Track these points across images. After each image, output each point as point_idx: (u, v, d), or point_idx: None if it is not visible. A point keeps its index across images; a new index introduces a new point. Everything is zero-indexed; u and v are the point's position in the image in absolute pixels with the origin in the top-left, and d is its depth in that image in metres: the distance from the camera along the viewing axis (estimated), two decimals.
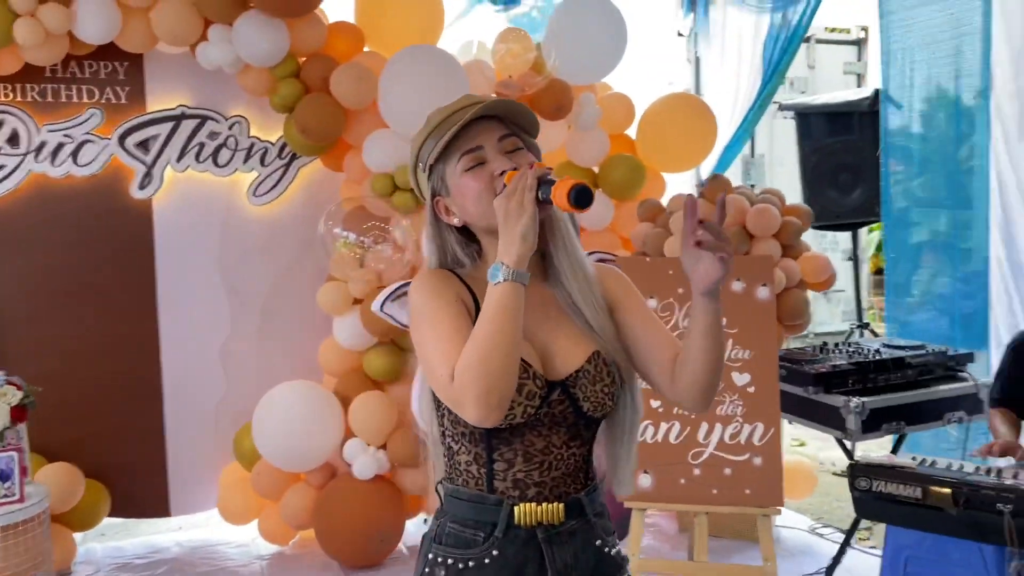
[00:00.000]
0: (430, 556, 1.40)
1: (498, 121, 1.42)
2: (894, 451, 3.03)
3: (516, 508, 1.35)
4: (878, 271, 7.56)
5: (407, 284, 3.37)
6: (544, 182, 1.32)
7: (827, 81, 7.50)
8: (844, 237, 6.69)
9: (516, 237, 1.28)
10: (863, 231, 5.45)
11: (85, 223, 3.65)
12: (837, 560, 3.08)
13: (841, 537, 3.72)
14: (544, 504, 1.37)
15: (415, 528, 3.76)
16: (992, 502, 2.03)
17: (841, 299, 7.57)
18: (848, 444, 3.03)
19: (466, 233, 1.47)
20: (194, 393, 3.83)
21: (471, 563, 1.36)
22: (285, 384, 3.61)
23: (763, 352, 2.79)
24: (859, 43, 7.74)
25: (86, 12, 3.23)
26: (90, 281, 3.67)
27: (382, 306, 3.33)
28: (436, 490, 1.46)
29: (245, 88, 3.58)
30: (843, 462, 4.80)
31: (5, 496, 2.32)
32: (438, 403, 1.40)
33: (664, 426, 2.79)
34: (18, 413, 2.42)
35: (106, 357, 3.69)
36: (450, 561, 1.37)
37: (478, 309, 1.36)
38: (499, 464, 1.37)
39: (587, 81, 3.99)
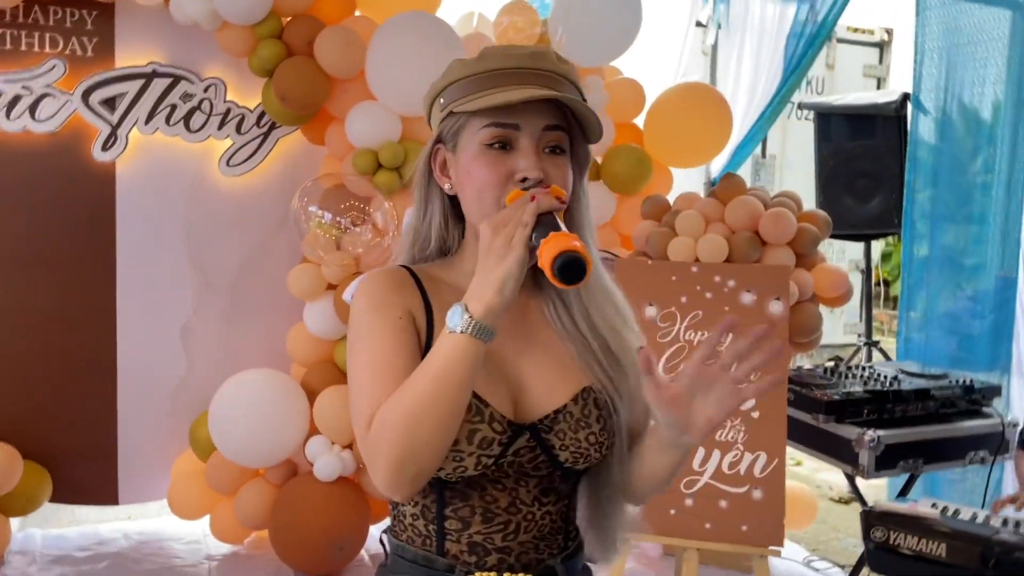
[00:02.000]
0: None
1: (555, 106, 1.10)
2: (905, 488, 2.76)
3: None
4: (877, 283, 7.35)
5: None
6: (544, 223, 1.02)
7: (846, 82, 7.22)
8: (853, 247, 6.43)
9: (492, 282, 1.00)
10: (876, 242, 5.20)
11: (41, 184, 3.34)
12: None
13: (837, 573, 3.49)
14: (507, 575, 1.09)
15: (379, 536, 3.49)
16: None
17: (844, 311, 7.31)
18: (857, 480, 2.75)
19: (455, 206, 1.19)
20: (151, 374, 3.54)
21: None
22: (248, 371, 3.33)
23: (772, 373, 2.50)
24: (882, 45, 7.44)
25: None
26: (43, 247, 3.37)
27: (352, 295, 3.06)
28: (380, 540, 1.22)
29: (223, 47, 3.28)
30: (842, 486, 4.56)
31: None
32: None
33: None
34: None
35: (57, 330, 3.40)
36: None
37: (430, 321, 1.11)
38: (451, 522, 1.11)
39: (595, 63, 3.70)
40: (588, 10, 3.52)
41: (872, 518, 2.02)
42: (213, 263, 3.60)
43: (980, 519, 2.06)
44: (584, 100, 1.12)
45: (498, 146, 1.09)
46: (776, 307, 2.56)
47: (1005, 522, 2.00)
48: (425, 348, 1.11)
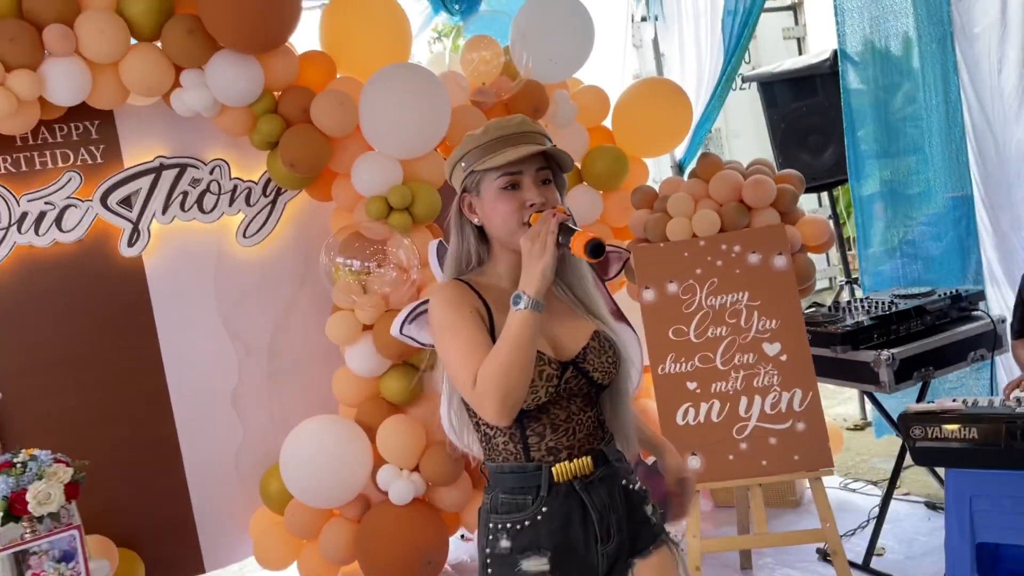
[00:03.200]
0: (490, 525, 1.62)
1: (541, 154, 1.63)
2: (921, 395, 3.10)
3: (553, 469, 1.59)
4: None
5: (422, 304, 3.37)
6: (564, 229, 1.54)
7: (769, 49, 7.62)
8: (808, 198, 6.82)
9: (537, 273, 1.51)
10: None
11: (77, 289, 3.55)
12: (883, 511, 3.14)
13: (872, 490, 3.83)
14: (575, 460, 1.60)
15: (454, 546, 3.74)
16: None
17: (814, 259, 7.71)
18: (878, 396, 3.08)
19: (481, 232, 1.69)
20: (211, 444, 3.76)
21: (527, 523, 1.58)
22: (309, 420, 3.57)
23: (789, 319, 2.83)
24: (795, 7, 7.89)
25: (55, 74, 3.14)
26: (89, 347, 3.58)
27: (400, 329, 3.33)
28: (481, 470, 1.72)
29: (224, 129, 3.52)
30: (853, 417, 4.92)
31: None
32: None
33: (704, 407, 2.82)
34: (71, 490, 2.35)
35: (117, 422, 3.60)
36: (508, 525, 1.59)
37: (489, 313, 1.60)
38: (532, 438, 1.60)
39: (559, 79, 4.02)
40: (544, 32, 3.83)
41: (909, 419, 2.34)
42: (248, 329, 3.83)
43: (997, 404, 2.38)
44: (554, 145, 1.65)
45: (510, 188, 1.61)
46: (780, 261, 2.88)
47: (1019, 402, 2.33)
48: (490, 329, 1.58)
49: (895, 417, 2.85)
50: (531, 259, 1.51)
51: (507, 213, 1.60)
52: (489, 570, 1.59)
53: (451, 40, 3.99)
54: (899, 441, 4.22)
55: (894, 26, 4.32)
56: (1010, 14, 3.61)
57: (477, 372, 1.49)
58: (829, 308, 3.21)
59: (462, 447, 1.76)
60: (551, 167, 1.65)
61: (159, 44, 3.29)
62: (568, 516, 1.58)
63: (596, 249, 1.50)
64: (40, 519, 2.26)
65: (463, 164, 1.64)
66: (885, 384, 2.80)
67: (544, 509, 1.57)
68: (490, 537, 1.60)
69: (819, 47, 6.22)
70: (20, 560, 2.20)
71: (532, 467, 1.59)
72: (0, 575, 2.27)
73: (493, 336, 1.57)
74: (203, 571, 3.76)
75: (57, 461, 2.37)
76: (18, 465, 2.27)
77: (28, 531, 2.27)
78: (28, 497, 2.18)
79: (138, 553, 3.54)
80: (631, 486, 1.68)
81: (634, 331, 3.59)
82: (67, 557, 2.23)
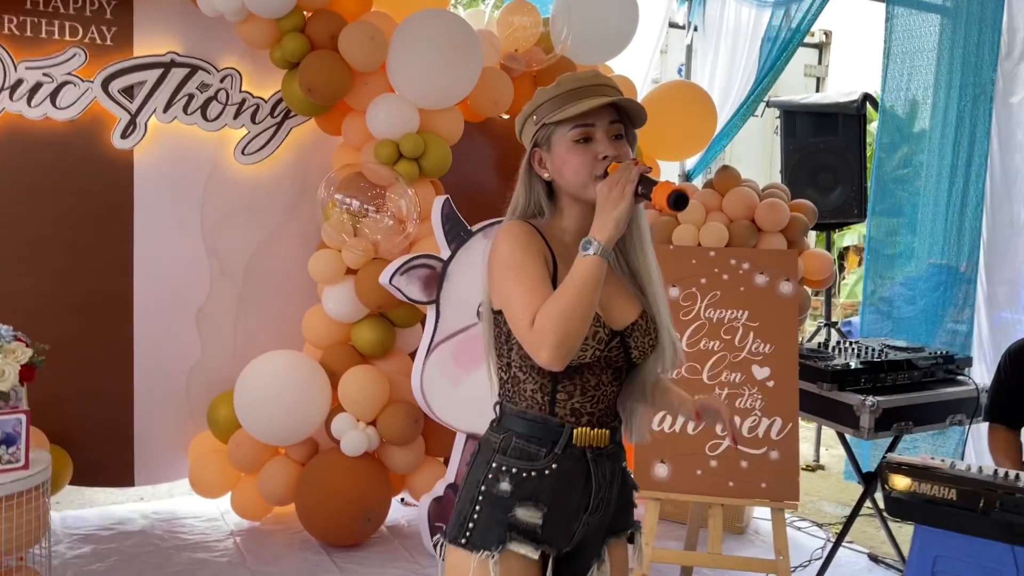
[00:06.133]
0: (494, 464, 1.57)
1: (613, 107, 1.57)
2: (891, 447, 3.09)
3: (575, 431, 1.57)
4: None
5: (416, 258, 3.27)
6: (644, 180, 1.48)
7: (788, 82, 7.58)
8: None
9: (611, 221, 1.46)
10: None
11: (60, 170, 3.39)
12: (831, 556, 3.13)
13: (816, 531, 3.83)
14: (596, 430, 1.59)
15: (393, 507, 3.66)
16: None
17: None
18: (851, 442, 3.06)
19: (550, 188, 1.64)
20: (166, 356, 3.63)
21: (533, 473, 1.56)
22: (273, 353, 3.45)
23: (784, 346, 2.79)
24: (821, 46, 7.88)
25: None
26: (60, 232, 3.42)
27: (391, 278, 3.23)
28: (494, 408, 1.66)
29: (246, 38, 3.38)
30: (806, 458, 4.93)
31: (10, 462, 2.11)
32: (507, 339, 1.57)
33: (681, 417, 2.77)
34: (27, 372, 2.20)
35: (76, 315, 3.45)
36: (515, 470, 1.56)
37: (554, 261, 1.56)
38: (561, 395, 1.58)
39: (596, 61, 3.93)
40: (589, 9, 3.74)
41: (890, 468, 2.32)
42: (227, 249, 3.70)
43: (978, 471, 2.36)
44: (627, 97, 1.57)
45: (583, 140, 1.55)
46: (786, 287, 2.84)
47: (1007, 475, 2.31)
48: (552, 277, 1.54)
49: (866, 464, 2.83)
50: (607, 205, 1.47)
51: (579, 166, 1.55)
52: (478, 506, 1.56)
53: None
54: (851, 489, 4.29)
55: (924, 80, 4.31)
56: None
57: (536, 313, 1.45)
58: (819, 345, 3.19)
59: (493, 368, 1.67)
60: (623, 121, 1.59)
61: None
62: (573, 479, 1.58)
63: (679, 200, 1.44)
64: None
65: (535, 118, 1.59)
66: (864, 430, 2.79)
67: (554, 466, 1.57)
68: (489, 476, 1.56)
69: (837, 90, 6.23)
70: None
71: (555, 422, 1.57)
72: None
73: (555, 285, 1.53)
74: (132, 484, 3.63)
75: (17, 339, 2.23)
76: None
77: None
78: None
79: (69, 453, 3.40)
80: (627, 470, 1.71)
81: None
82: (9, 440, 2.10)
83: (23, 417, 2.15)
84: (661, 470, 2.76)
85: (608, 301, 1.58)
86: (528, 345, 1.47)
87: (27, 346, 2.24)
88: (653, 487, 2.75)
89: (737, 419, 2.77)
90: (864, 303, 4.56)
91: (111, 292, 3.52)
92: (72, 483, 3.47)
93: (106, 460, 3.55)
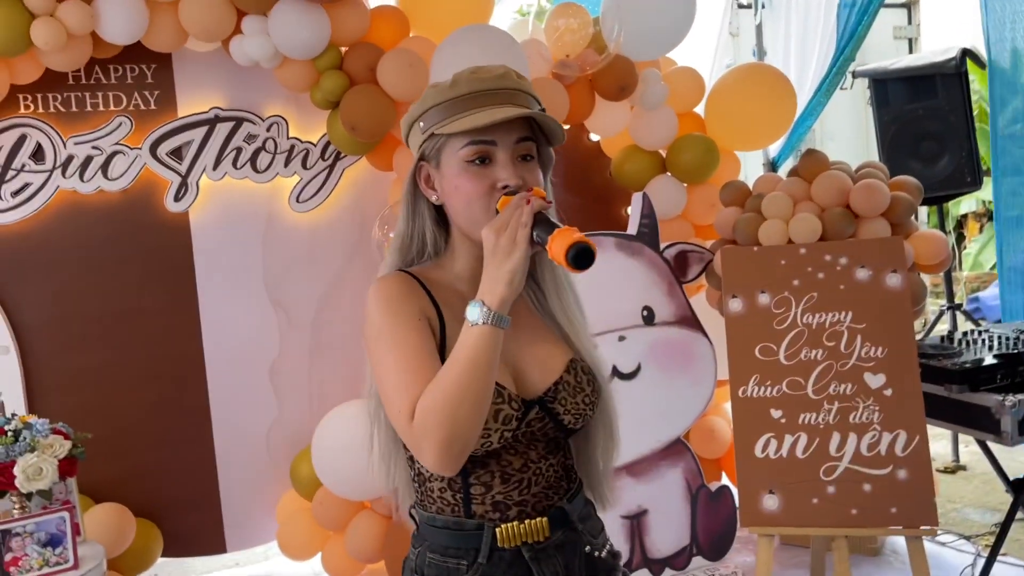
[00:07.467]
0: None
1: (523, 119, 1.25)
2: None
3: (498, 530, 1.26)
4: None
5: None
6: (541, 221, 1.16)
7: (877, 49, 7.09)
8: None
9: (502, 276, 1.14)
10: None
11: (118, 241, 3.35)
12: (985, 575, 2.73)
13: (964, 545, 3.40)
14: (527, 521, 1.28)
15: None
16: None
17: None
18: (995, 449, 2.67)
19: (440, 213, 1.33)
20: (244, 417, 3.53)
21: None
22: (345, 405, 3.31)
23: (899, 348, 2.44)
24: (909, 5, 7.33)
25: (110, 9, 2.92)
26: (126, 303, 3.37)
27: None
28: (411, 515, 1.37)
29: (284, 83, 3.27)
30: (944, 458, 4.45)
31: (58, 564, 2.01)
32: None
33: (789, 439, 2.45)
34: (67, 466, 2.10)
35: (148, 385, 3.40)
36: None
37: (441, 321, 1.25)
38: (476, 488, 1.27)
39: (651, 56, 3.65)
40: (641, 3, 3.47)
41: None
42: (292, 300, 3.59)
43: None
44: (543, 110, 1.27)
45: (478, 161, 1.23)
46: (894, 279, 2.49)
47: None
48: (440, 343, 1.23)
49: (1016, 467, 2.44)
50: (495, 258, 1.14)
51: (471, 195, 1.23)
52: None
53: (536, 7, 3.66)
54: (1001, 491, 3.81)
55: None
56: None
57: (416, 402, 1.14)
58: (942, 339, 2.80)
59: (387, 484, 1.37)
60: (536, 139, 1.27)
61: None
62: None
63: (581, 257, 1.09)
64: (29, 496, 2.02)
65: (421, 124, 1.27)
66: (1007, 435, 2.40)
67: None
68: None
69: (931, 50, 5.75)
70: (3, 540, 1.97)
71: (472, 525, 1.26)
72: None
73: (443, 353, 1.22)
74: (224, 550, 3.55)
75: (55, 432, 2.14)
76: (9, 433, 2.03)
77: (16, 507, 2.04)
78: (16, 471, 1.94)
79: (157, 525, 3.35)
80: (597, 552, 1.35)
81: (709, 342, 3.23)
82: (54, 541, 2.00)
83: (67, 515, 2.04)
84: (771, 502, 2.44)
85: (521, 359, 1.28)
86: (410, 444, 1.17)
87: (66, 438, 2.14)
88: (763, 522, 2.44)
89: (853, 435, 2.43)
90: (1000, 277, 4.10)
91: (182, 357, 3.45)
92: (164, 555, 3.41)
93: (196, 528, 3.48)
